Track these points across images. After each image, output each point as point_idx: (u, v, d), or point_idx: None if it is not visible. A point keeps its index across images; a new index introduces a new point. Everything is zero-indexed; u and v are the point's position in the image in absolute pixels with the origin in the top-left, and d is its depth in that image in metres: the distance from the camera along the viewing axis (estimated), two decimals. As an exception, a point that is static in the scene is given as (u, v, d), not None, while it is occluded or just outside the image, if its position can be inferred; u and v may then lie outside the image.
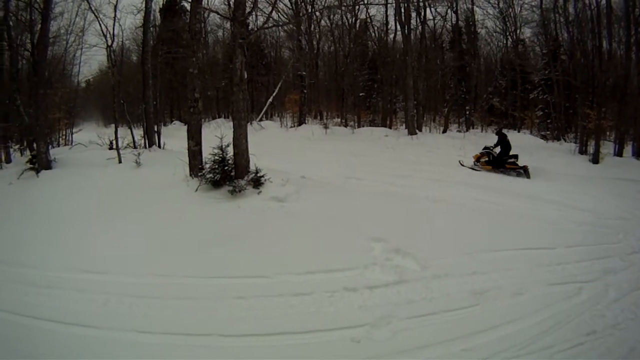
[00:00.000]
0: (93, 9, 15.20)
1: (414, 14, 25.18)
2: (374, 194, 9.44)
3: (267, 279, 5.46)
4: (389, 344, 4.36)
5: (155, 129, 15.45)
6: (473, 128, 26.07)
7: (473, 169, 14.33)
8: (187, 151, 9.75)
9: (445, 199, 9.51)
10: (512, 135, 22.01)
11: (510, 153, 14.16)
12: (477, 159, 14.58)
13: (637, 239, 7.73)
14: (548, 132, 24.20)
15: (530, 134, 24.36)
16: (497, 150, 14.39)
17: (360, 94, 29.15)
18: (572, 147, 18.99)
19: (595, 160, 16.51)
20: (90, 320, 4.70)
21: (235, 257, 6.05)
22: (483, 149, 14.73)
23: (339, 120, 28.92)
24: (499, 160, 14.14)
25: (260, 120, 26.98)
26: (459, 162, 15.02)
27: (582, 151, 18.33)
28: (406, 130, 23.12)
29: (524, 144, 18.99)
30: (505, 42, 29.37)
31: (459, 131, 24.75)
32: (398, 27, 25.71)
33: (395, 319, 4.72)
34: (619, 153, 18.01)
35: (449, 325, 4.67)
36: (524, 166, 13.74)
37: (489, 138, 21.14)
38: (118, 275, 5.62)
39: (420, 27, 26.62)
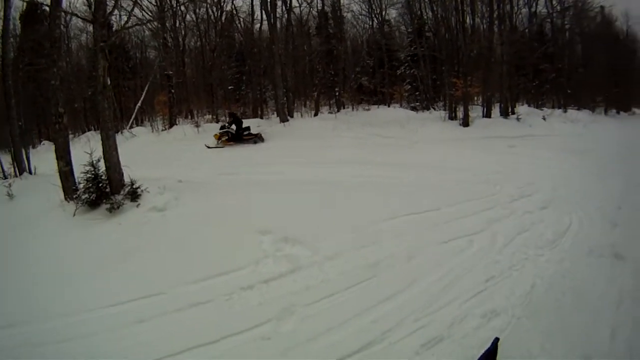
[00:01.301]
0: None
1: (279, 2, 25.24)
2: (252, 187, 9.30)
3: (164, 295, 5.09)
4: (298, 333, 4.29)
5: (24, 153, 14.09)
6: (344, 108, 26.76)
7: (217, 147, 17.04)
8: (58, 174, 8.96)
9: (324, 179, 9.69)
10: (383, 110, 23.22)
11: (244, 127, 17.61)
12: (219, 138, 17.59)
13: (514, 187, 8.37)
14: (417, 104, 25.58)
15: (401, 107, 25.51)
16: (233, 127, 17.71)
17: (230, 87, 28.85)
18: (442, 115, 20.23)
19: (466, 123, 17.75)
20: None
21: (127, 278, 5.57)
22: (220, 129, 17.99)
23: (211, 116, 28.30)
24: (237, 135, 17.37)
25: (131, 127, 25.61)
26: (205, 145, 17.17)
27: (452, 117, 19.71)
28: (278, 118, 23.20)
29: (396, 117, 19.97)
30: (371, 23, 30.51)
31: (331, 112, 25.28)
32: (264, 16, 25.56)
33: (298, 307, 4.65)
34: (487, 115, 19.56)
35: (352, 302, 4.70)
36: (258, 134, 17.44)
37: (361, 115, 21.97)
38: (11, 326, 4.80)
39: (286, 15, 26.78)
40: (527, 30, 27.83)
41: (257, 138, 17.37)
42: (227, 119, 20.20)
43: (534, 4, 28.42)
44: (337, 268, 5.42)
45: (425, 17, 27.26)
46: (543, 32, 29.51)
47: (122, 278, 5.61)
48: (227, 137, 17.45)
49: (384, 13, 29.34)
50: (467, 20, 23.10)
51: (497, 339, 2.56)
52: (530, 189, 8.38)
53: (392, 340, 4.11)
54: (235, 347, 4.19)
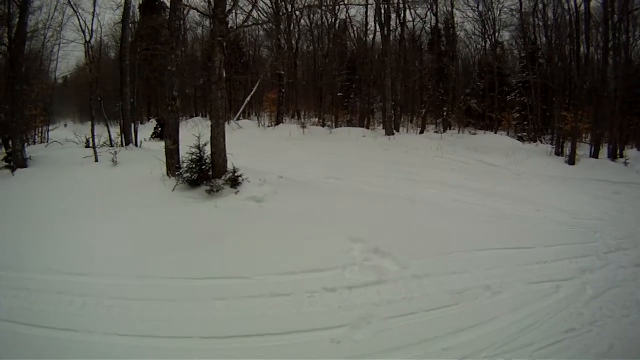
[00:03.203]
0: (72, 3, 14.89)
1: (393, 16, 25.40)
2: (352, 194, 9.41)
3: (247, 279, 5.36)
4: (369, 345, 4.32)
5: (133, 127, 15.20)
6: (450, 129, 26.36)
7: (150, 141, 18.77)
8: (164, 150, 9.58)
9: (424, 199, 9.57)
10: (490, 137, 22.54)
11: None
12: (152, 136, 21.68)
13: (613, 238, 7.87)
14: (525, 134, 24.61)
15: (508, 135, 24.68)
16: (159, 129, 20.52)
17: (339, 94, 29.26)
18: (549, 149, 19.34)
19: (572, 161, 16.81)
20: (70, 324, 4.53)
21: (214, 258, 5.92)
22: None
23: (317, 120, 28.89)
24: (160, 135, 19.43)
25: (238, 119, 26.79)
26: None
27: (559, 153, 18.68)
28: (384, 130, 23.20)
29: (502, 145, 19.33)
30: (484, 44, 29.84)
31: (437, 132, 24.98)
32: (378, 28, 25.78)
33: (375, 319, 4.68)
34: (594, 155, 18.40)
35: (429, 325, 4.65)
36: None
37: (467, 139, 21.47)
38: (97, 277, 5.42)
39: (399, 29, 26.83)
40: None
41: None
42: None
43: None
44: (422, 288, 5.38)
45: (539, 42, 26.18)
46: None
47: (211, 257, 5.95)
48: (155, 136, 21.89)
49: (497, 35, 28.57)
50: (582, 50, 21.71)
51: None
52: (629, 242, 7.83)
53: (457, 371, 4.04)
54: (303, 343, 4.32)
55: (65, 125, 25.14)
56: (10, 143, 11.03)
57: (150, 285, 5.25)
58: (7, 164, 10.55)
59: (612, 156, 18.59)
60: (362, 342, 4.37)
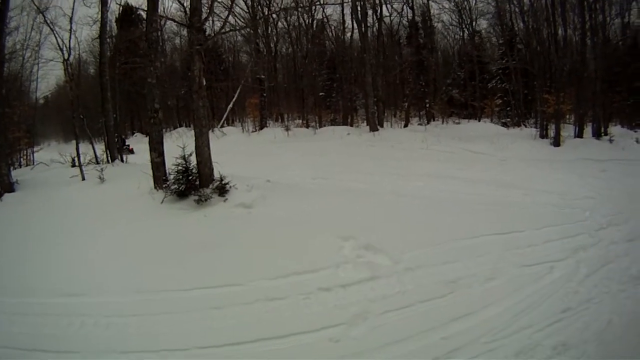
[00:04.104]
0: (48, 22, 14.89)
1: (370, 12, 25.45)
2: (339, 193, 9.46)
3: (241, 286, 5.33)
4: (367, 341, 4.32)
5: (117, 142, 15.11)
6: (434, 120, 26.50)
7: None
8: (150, 163, 9.53)
9: (411, 192, 9.66)
10: (474, 125, 22.73)
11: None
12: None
13: (602, 215, 7.93)
14: (508, 120, 24.82)
15: (491, 122, 24.86)
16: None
17: (320, 94, 29.33)
18: (533, 132, 19.50)
19: (557, 143, 16.97)
20: (68, 345, 4.48)
21: (207, 267, 5.90)
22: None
23: (301, 121, 28.97)
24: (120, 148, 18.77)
25: (222, 126, 26.80)
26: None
27: (543, 135, 18.83)
28: (368, 127, 23.29)
29: (486, 132, 19.48)
30: (461, 34, 30.07)
31: (420, 124, 25.12)
32: (355, 25, 25.85)
33: (371, 315, 4.69)
34: (579, 134, 18.56)
35: (425, 316, 4.67)
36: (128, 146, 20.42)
37: (451, 129, 21.61)
38: (93, 296, 5.37)
39: (377, 24, 26.91)
40: (620, 43, 25.55)
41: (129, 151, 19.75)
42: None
43: (627, 14, 25.60)
44: (415, 281, 5.40)
45: (516, 28, 26.38)
46: (638, 44, 25.82)
47: (203, 266, 5.93)
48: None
49: (474, 24, 28.75)
50: (559, 32, 21.97)
51: None
52: (619, 218, 7.89)
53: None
54: (302, 344, 4.31)
55: (49, 145, 25.10)
56: (-4, 167, 10.89)
57: (146, 300, 5.21)
58: (-8, 187, 10.40)
59: (597, 134, 18.74)
60: (360, 338, 4.37)
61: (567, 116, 20.55)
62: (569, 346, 4.20)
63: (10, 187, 10.54)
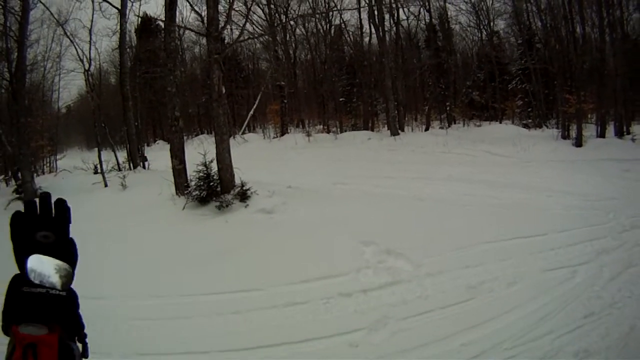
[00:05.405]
0: (68, 34, 15.26)
1: (387, 16, 25.38)
2: (361, 198, 9.45)
3: (262, 291, 5.40)
4: (387, 346, 4.33)
5: (139, 150, 15.36)
6: (455, 123, 26.28)
7: None
8: (171, 170, 9.67)
9: (433, 196, 9.59)
10: (495, 127, 22.43)
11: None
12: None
13: (627, 216, 7.79)
14: (530, 121, 24.43)
15: (512, 123, 24.54)
16: None
17: (341, 99, 29.24)
18: (555, 133, 19.17)
19: (579, 143, 16.68)
20: (92, 347, 4.56)
21: (228, 272, 5.99)
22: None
23: (321, 127, 28.98)
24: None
25: (243, 133, 26.94)
26: None
27: (565, 136, 18.50)
28: (389, 131, 23.19)
29: (508, 134, 19.21)
30: (480, 35, 29.71)
31: (441, 128, 24.85)
32: (372, 30, 25.82)
33: (391, 320, 4.69)
34: (601, 134, 18.21)
35: (446, 322, 4.65)
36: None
37: (472, 131, 21.39)
38: (115, 299, 5.51)
39: (394, 28, 26.81)
40: (639, 39, 24.56)
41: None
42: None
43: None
44: (437, 286, 5.40)
45: (534, 27, 26.02)
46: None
47: (224, 271, 6.03)
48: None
49: (492, 24, 28.46)
50: (578, 30, 21.45)
51: None
52: (644, 219, 7.77)
53: (477, 367, 4.04)
54: (321, 349, 4.33)
55: (71, 152, 25.72)
56: (20, 175, 11.18)
57: (166, 304, 5.32)
58: (18, 195, 10.65)
59: (619, 134, 18.39)
60: (379, 344, 4.37)
61: (589, 116, 20.21)
62: (591, 352, 4.13)
63: (34, 194, 10.75)
